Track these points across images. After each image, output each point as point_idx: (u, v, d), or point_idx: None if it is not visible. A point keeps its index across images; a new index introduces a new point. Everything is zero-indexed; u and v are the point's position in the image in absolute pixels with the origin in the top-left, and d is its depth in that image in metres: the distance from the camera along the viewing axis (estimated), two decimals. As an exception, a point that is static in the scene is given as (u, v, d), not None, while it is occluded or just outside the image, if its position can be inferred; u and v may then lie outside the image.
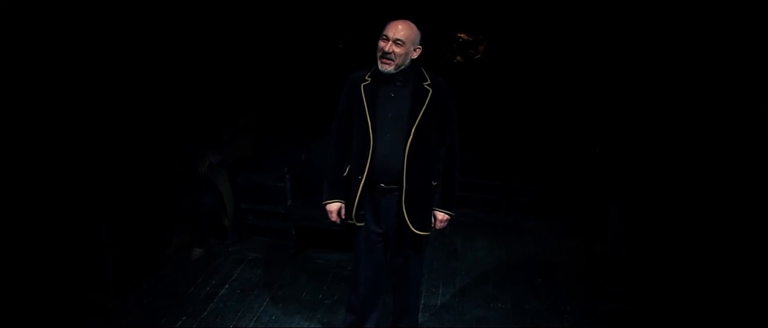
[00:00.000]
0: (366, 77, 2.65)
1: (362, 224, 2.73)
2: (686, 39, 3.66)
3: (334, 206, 2.77)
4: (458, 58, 5.48)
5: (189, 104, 4.44)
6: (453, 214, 2.78)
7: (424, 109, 2.58)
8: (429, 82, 2.63)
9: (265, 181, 4.64)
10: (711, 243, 3.27)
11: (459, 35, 5.46)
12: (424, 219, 2.70)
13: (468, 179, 5.15)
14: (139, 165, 4.18)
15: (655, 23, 3.96)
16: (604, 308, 3.47)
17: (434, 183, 2.70)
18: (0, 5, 3.14)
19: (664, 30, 3.87)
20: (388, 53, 2.51)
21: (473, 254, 4.30)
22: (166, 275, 3.94)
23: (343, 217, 2.76)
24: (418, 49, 2.61)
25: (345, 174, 2.73)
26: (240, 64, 5.10)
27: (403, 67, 2.58)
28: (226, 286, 3.80)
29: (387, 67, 2.55)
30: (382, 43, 2.54)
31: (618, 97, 4.29)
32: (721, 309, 3.11)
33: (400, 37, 2.52)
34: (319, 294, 3.69)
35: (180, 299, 3.62)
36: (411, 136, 2.58)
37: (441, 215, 2.75)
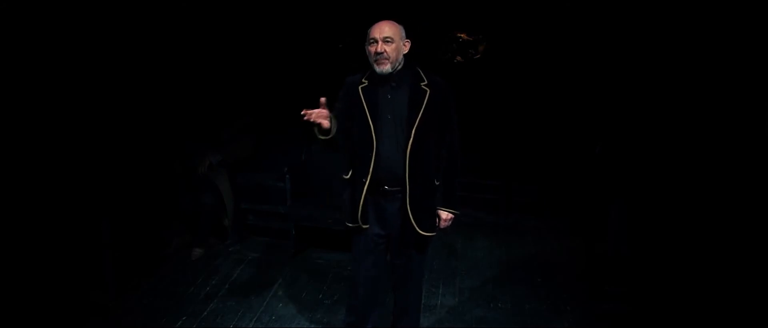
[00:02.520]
0: (363, 80, 2.66)
1: (367, 226, 2.72)
2: (686, 39, 3.66)
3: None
4: (458, 58, 5.47)
5: (189, 104, 4.44)
6: (457, 212, 2.79)
7: (422, 110, 2.59)
8: (426, 82, 2.63)
9: (265, 181, 4.65)
10: (711, 243, 3.27)
11: (459, 35, 5.46)
12: (428, 220, 2.71)
13: (468, 179, 5.14)
14: (139, 165, 4.18)
15: (655, 23, 3.96)
16: (604, 308, 3.47)
17: (437, 183, 2.71)
18: (0, 5, 3.14)
19: (664, 30, 3.87)
20: (381, 53, 2.53)
21: (473, 254, 4.30)
22: (166, 275, 3.94)
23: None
24: (407, 43, 2.63)
25: (347, 177, 2.73)
26: (240, 64, 5.10)
27: (398, 65, 2.59)
28: (226, 286, 3.80)
29: (384, 67, 2.55)
30: (371, 47, 2.56)
31: (618, 97, 4.29)
32: (721, 309, 3.11)
33: (388, 35, 2.54)
34: (319, 294, 3.69)
35: (180, 299, 3.62)
36: (411, 139, 2.58)
37: (445, 214, 2.76)
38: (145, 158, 4.25)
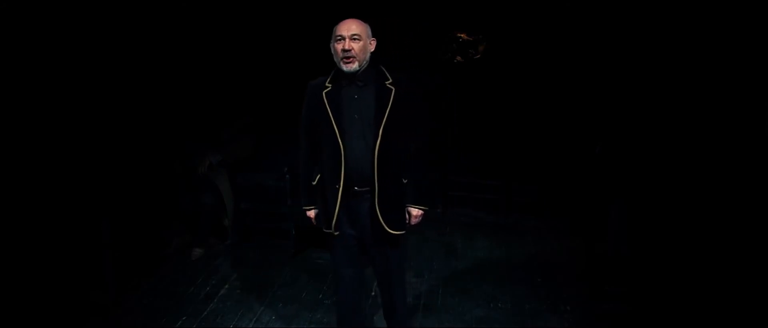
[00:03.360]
0: (326, 84, 2.65)
1: (338, 233, 2.72)
2: (686, 39, 3.66)
3: (313, 213, 2.81)
4: (458, 58, 5.47)
5: (189, 104, 4.44)
6: (426, 209, 2.78)
7: (389, 109, 2.58)
8: (390, 81, 2.63)
9: (265, 181, 4.64)
10: (711, 243, 3.27)
11: (459, 35, 5.45)
12: (397, 218, 2.70)
13: (468, 179, 5.15)
14: (139, 165, 4.18)
15: (655, 23, 3.96)
16: (604, 308, 3.47)
17: (405, 181, 2.70)
18: (0, 5, 3.14)
19: (664, 30, 3.87)
20: (349, 50, 2.52)
21: (473, 254, 4.30)
22: (166, 275, 3.94)
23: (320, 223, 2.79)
24: (373, 41, 2.62)
25: (314, 183, 2.74)
26: (240, 64, 5.10)
27: (365, 64, 2.59)
28: (226, 286, 3.80)
29: (351, 66, 2.55)
30: (338, 45, 2.55)
31: (618, 97, 4.29)
32: (721, 309, 3.11)
33: (356, 33, 2.54)
34: (319, 294, 3.69)
35: (180, 299, 3.62)
36: (379, 138, 2.57)
37: (415, 211, 2.75)
38: (145, 158, 4.25)
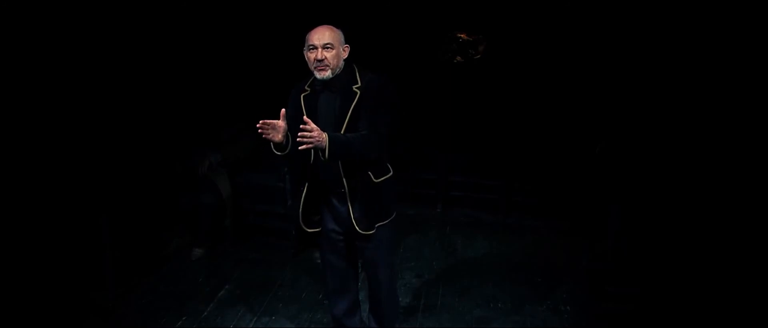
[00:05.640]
0: (306, 87, 2.68)
1: (313, 229, 2.80)
2: (687, 39, 3.66)
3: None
4: (458, 58, 5.47)
5: (189, 104, 4.44)
6: (329, 145, 2.44)
7: (350, 112, 2.58)
8: (359, 84, 2.62)
9: (265, 181, 4.64)
10: (712, 243, 3.27)
11: (459, 35, 5.45)
12: (372, 216, 2.71)
13: (468, 179, 5.15)
14: (139, 165, 4.18)
15: (655, 23, 3.97)
16: (604, 308, 3.47)
17: (377, 180, 2.69)
18: (0, 5, 3.14)
19: (664, 30, 3.88)
20: (322, 60, 2.53)
21: (473, 254, 4.30)
22: (166, 275, 3.94)
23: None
24: (346, 48, 2.63)
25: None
26: (240, 65, 5.10)
27: (338, 70, 2.60)
28: (226, 286, 3.80)
29: (324, 74, 2.56)
30: (311, 54, 2.55)
31: (618, 97, 4.29)
32: (721, 309, 3.11)
33: (328, 42, 2.53)
34: (319, 294, 3.69)
35: (180, 299, 3.62)
36: None
37: (322, 135, 2.43)
38: (145, 158, 4.25)
